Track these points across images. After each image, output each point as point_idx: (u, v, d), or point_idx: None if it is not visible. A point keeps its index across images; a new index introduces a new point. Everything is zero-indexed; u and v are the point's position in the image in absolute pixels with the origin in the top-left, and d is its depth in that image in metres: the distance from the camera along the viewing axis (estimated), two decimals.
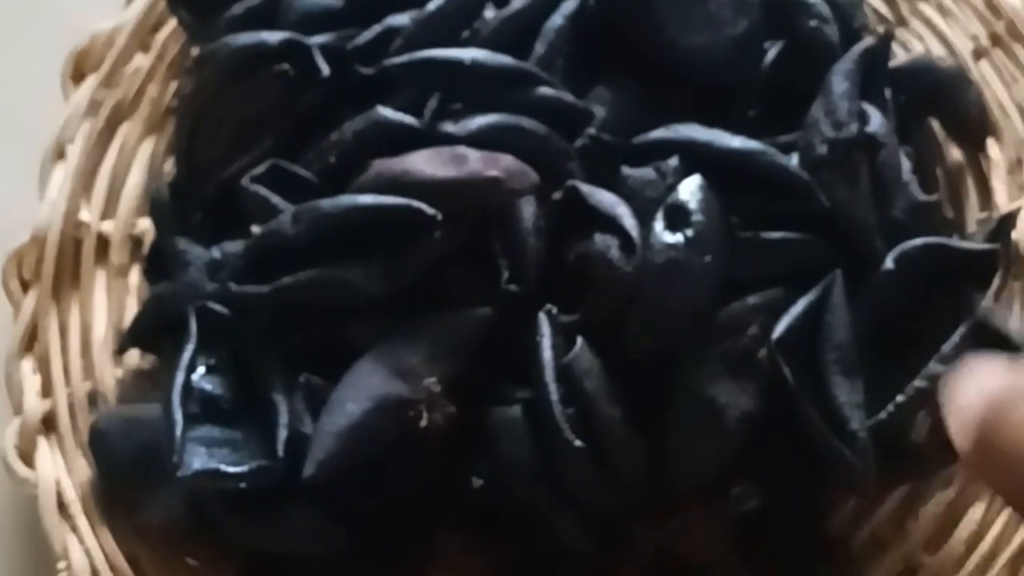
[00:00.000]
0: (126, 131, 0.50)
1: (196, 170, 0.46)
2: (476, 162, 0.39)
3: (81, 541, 0.42)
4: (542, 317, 0.38)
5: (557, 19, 0.43)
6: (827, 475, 0.39)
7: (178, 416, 0.38)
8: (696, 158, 0.40)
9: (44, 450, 0.44)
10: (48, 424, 0.44)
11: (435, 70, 0.42)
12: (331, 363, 0.39)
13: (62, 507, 0.42)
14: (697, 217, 0.38)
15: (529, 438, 0.37)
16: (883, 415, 0.37)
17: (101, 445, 0.42)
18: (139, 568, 0.41)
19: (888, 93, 0.43)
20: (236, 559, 0.41)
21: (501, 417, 0.38)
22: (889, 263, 0.39)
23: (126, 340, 0.45)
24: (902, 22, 0.51)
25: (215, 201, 0.44)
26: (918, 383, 0.37)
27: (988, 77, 0.48)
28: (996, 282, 0.39)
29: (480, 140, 0.40)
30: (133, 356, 0.46)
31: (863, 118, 0.41)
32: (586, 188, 0.39)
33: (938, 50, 0.50)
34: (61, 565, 0.41)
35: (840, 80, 0.41)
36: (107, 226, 0.48)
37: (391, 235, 0.38)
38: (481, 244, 0.39)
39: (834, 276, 0.39)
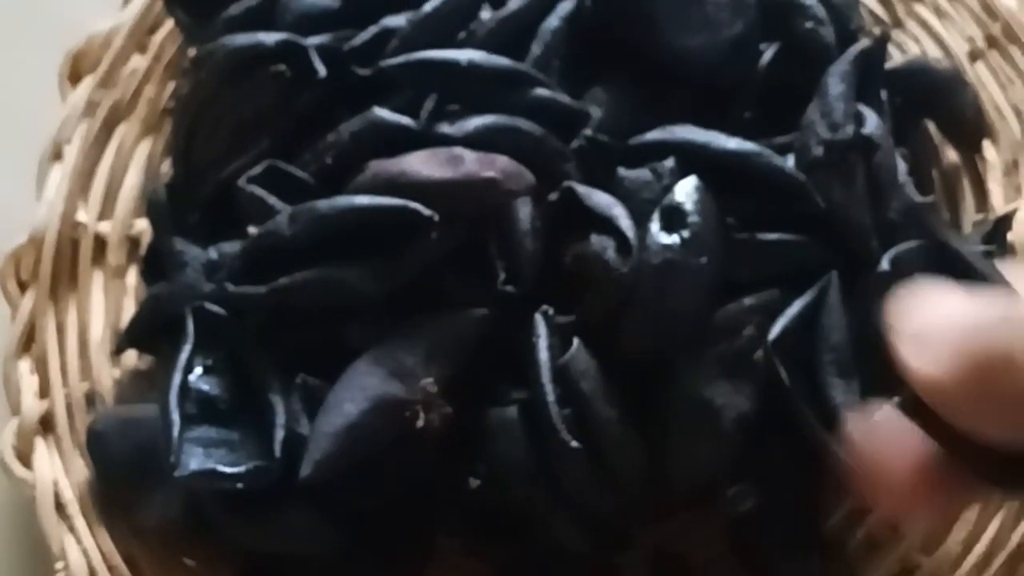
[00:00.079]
0: (123, 132, 0.50)
1: (193, 171, 0.46)
2: (472, 163, 0.39)
3: (79, 541, 0.42)
4: (538, 318, 0.38)
5: (553, 20, 0.43)
6: (823, 475, 0.39)
7: (175, 417, 0.38)
8: (692, 159, 0.40)
9: (42, 451, 0.44)
10: (46, 425, 0.44)
11: (431, 71, 0.42)
12: (328, 364, 0.39)
13: (60, 507, 0.42)
14: (693, 218, 0.38)
15: (525, 439, 0.38)
16: None
17: (98, 445, 0.42)
18: (136, 568, 0.42)
19: (884, 95, 0.43)
20: (233, 559, 0.41)
21: (498, 418, 0.38)
22: (885, 264, 0.39)
23: (123, 341, 0.45)
24: (898, 24, 0.51)
25: (212, 202, 0.44)
26: None
27: (984, 79, 0.49)
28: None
29: (476, 141, 0.40)
30: (130, 357, 0.46)
31: (859, 120, 0.41)
32: (582, 189, 0.39)
33: (934, 52, 0.50)
34: (59, 565, 0.41)
35: (836, 82, 0.41)
36: (104, 227, 0.48)
37: (388, 236, 0.38)
38: (477, 245, 0.39)
39: (830, 277, 0.39)
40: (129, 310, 0.47)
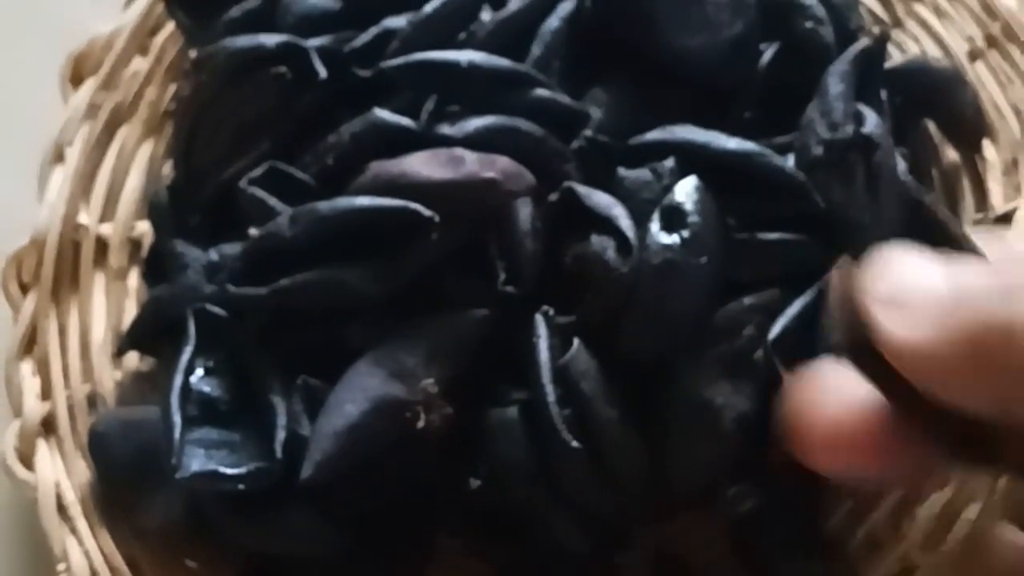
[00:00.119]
0: (125, 134, 0.50)
1: (194, 173, 0.46)
2: (473, 164, 0.39)
3: (80, 543, 0.42)
4: (539, 318, 0.38)
5: (553, 21, 0.43)
6: (824, 476, 0.39)
7: (177, 418, 0.38)
8: (692, 159, 0.40)
9: (43, 452, 0.44)
10: (47, 426, 0.44)
11: (432, 72, 0.42)
12: (329, 365, 0.39)
13: (61, 509, 0.42)
14: (693, 218, 0.38)
15: (526, 439, 0.37)
16: None
17: (100, 447, 0.42)
18: (138, 570, 0.42)
19: (884, 94, 0.43)
20: (235, 561, 0.41)
21: (498, 418, 0.38)
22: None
23: (125, 342, 0.45)
24: (898, 23, 0.51)
25: (213, 203, 0.44)
26: None
27: (984, 78, 0.49)
28: None
29: (477, 142, 0.40)
30: (132, 358, 0.46)
31: (859, 119, 0.41)
32: (582, 189, 0.39)
33: (934, 51, 0.50)
34: (60, 567, 0.41)
35: (836, 81, 0.41)
36: (106, 229, 0.48)
37: (388, 237, 0.38)
38: (478, 246, 0.39)
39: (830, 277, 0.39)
40: (131, 312, 0.47)
